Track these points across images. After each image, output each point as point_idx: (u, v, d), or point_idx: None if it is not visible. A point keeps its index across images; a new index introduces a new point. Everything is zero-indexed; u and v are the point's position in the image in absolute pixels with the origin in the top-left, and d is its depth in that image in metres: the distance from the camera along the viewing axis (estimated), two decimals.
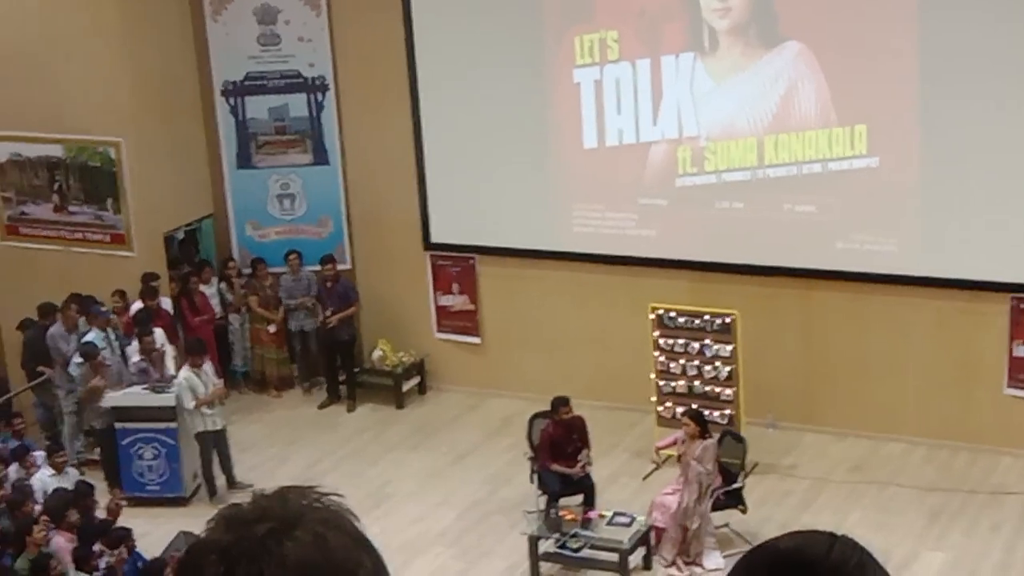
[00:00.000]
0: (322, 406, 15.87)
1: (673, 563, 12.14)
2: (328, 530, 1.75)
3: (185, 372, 13.72)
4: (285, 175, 16.42)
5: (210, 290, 15.95)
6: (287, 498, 1.79)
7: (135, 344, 14.28)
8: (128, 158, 15.57)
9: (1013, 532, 12.45)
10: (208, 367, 13.98)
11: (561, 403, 12.89)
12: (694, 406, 13.26)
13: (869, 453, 13.96)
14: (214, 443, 13.82)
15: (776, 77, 13.90)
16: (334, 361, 15.91)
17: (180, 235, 16.27)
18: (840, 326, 14.16)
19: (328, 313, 15.65)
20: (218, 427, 13.86)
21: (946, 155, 13.29)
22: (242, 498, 1.83)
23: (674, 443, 12.70)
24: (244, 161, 16.42)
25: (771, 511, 12.86)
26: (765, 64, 13.92)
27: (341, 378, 15.93)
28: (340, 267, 15.99)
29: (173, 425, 13.75)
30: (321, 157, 16.25)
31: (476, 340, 15.94)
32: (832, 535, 1.79)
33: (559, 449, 12.84)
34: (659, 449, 12.86)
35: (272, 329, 16.06)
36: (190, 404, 13.60)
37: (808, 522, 12.54)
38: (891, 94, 13.43)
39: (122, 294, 15.09)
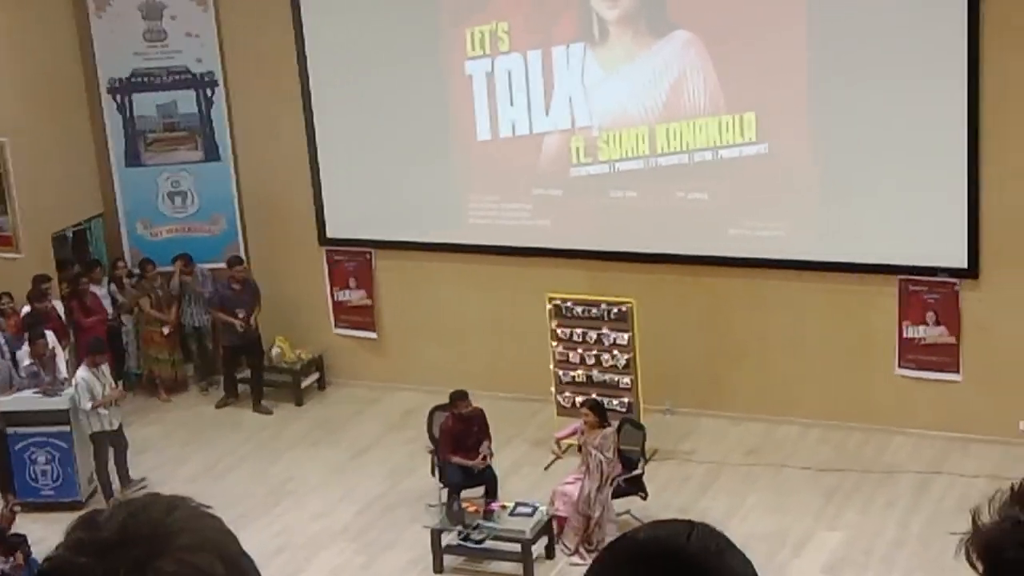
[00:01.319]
0: (219, 405, 15.69)
1: (576, 551, 12.21)
2: (197, 556, 1.63)
3: (83, 372, 13.50)
4: (175, 172, 16.22)
5: (101, 291, 15.70)
6: (151, 516, 1.67)
7: (25, 348, 14.01)
8: (13, 158, 15.27)
9: (906, 509, 12.71)
10: (106, 368, 13.78)
11: (459, 397, 12.90)
12: (593, 395, 13.37)
13: (765, 436, 14.16)
14: (110, 443, 13.62)
15: (666, 66, 14.02)
16: (236, 361, 15.69)
17: (69, 235, 15.98)
18: (734, 312, 14.35)
19: (242, 315, 15.41)
20: (114, 427, 13.66)
21: (834, 141, 13.51)
22: (106, 505, 1.72)
23: (574, 433, 12.79)
24: (133, 159, 16.19)
25: (671, 497, 13.00)
26: (655, 53, 14.04)
27: (240, 376, 15.74)
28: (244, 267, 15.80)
29: (67, 429, 13.52)
30: (212, 153, 16.08)
31: (372, 335, 15.88)
32: (690, 523, 1.79)
33: (460, 442, 12.85)
34: (559, 439, 12.94)
35: (167, 331, 15.82)
36: (87, 405, 13.38)
37: (706, 506, 12.71)
38: (779, 82, 13.62)
39: (10, 296, 14.79)
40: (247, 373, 15.73)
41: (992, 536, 1.76)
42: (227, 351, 15.70)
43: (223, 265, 15.74)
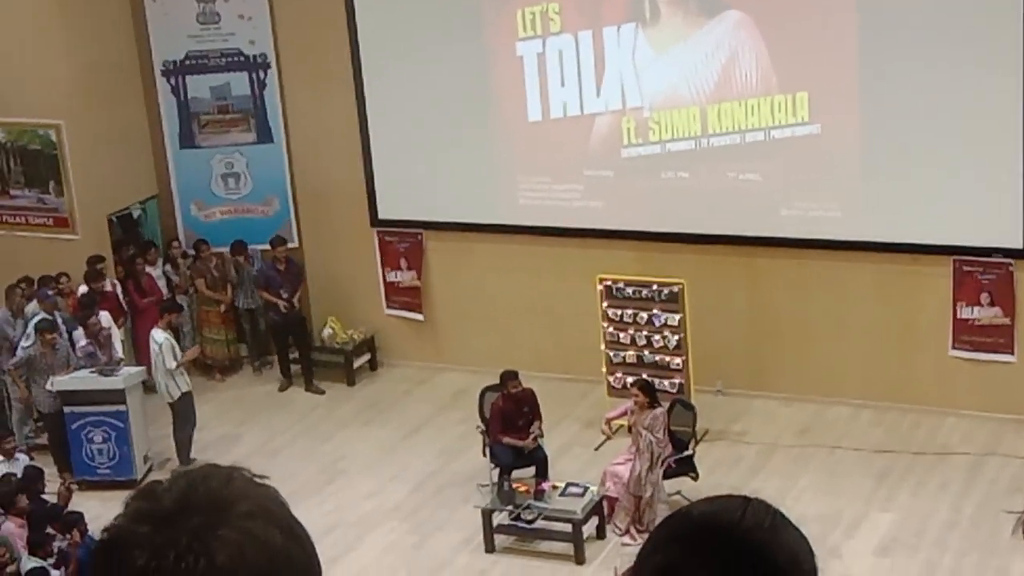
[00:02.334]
0: (282, 388, 15.75)
1: (627, 532, 12.23)
2: (255, 525, 1.67)
3: (162, 333, 13.76)
4: (229, 154, 16.33)
5: (156, 271, 15.86)
6: (210, 486, 1.70)
7: (81, 329, 14.19)
8: (69, 140, 15.44)
9: (959, 491, 12.63)
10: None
11: (509, 377, 12.94)
12: (644, 376, 13.36)
13: (816, 417, 14.11)
14: (192, 405, 13.86)
15: (717, 46, 13.96)
16: (284, 341, 15.83)
17: (114, 219, 16.13)
18: (786, 292, 14.29)
19: (286, 296, 15.53)
20: (189, 389, 13.95)
21: (886, 120, 13.41)
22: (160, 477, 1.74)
23: (624, 414, 12.78)
24: (187, 141, 16.31)
25: (722, 477, 12.98)
26: (706, 33, 13.98)
27: (293, 356, 15.86)
28: (288, 246, 15.92)
29: (123, 408, 13.68)
30: (265, 135, 16.17)
31: (419, 317, 15.93)
32: (745, 499, 1.80)
33: (510, 422, 12.89)
34: (609, 420, 12.94)
35: (222, 308, 15.96)
36: (172, 364, 13.63)
37: (758, 487, 12.67)
38: (831, 61, 13.53)
39: (67, 277, 14.97)
40: (298, 354, 15.83)
41: None
42: (272, 331, 15.80)
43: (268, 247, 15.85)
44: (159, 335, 13.80)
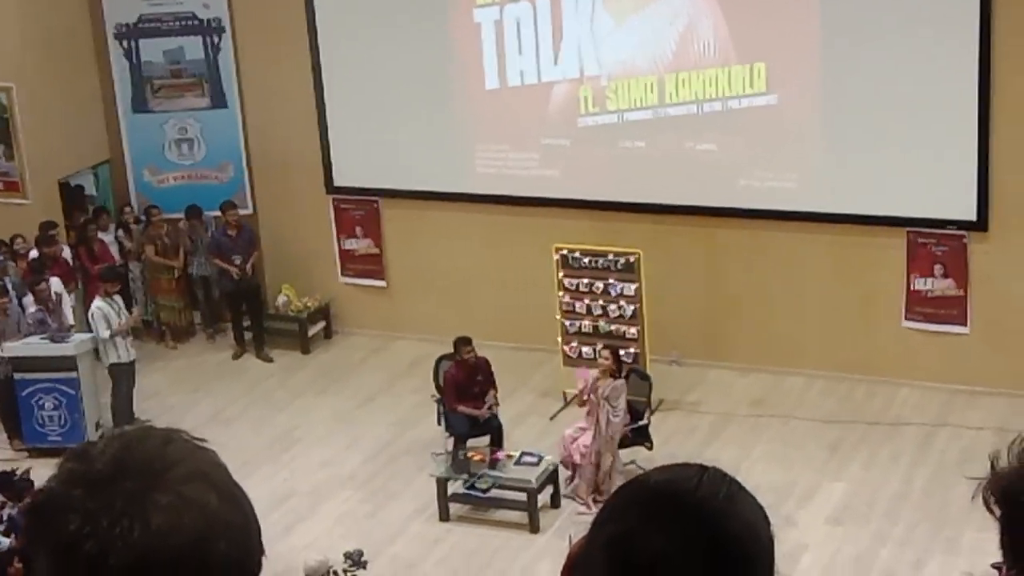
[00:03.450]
0: (236, 356, 15.64)
1: (585, 502, 12.23)
2: (191, 488, 1.64)
3: (98, 301, 13.65)
4: (183, 119, 16.16)
5: (108, 237, 15.70)
6: (146, 449, 1.67)
7: (31, 296, 14.03)
8: (20, 104, 15.23)
9: (910, 462, 12.73)
10: (119, 298, 13.89)
11: (462, 343, 12.91)
12: (599, 345, 13.34)
13: (771, 387, 14.17)
14: (127, 375, 13.73)
15: (675, 15, 13.92)
16: (238, 308, 15.73)
17: (82, 183, 15.96)
18: (742, 263, 14.32)
19: (239, 262, 15.41)
20: (132, 358, 13.80)
21: (844, 92, 13.43)
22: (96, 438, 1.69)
23: (586, 388, 12.59)
24: (140, 105, 16.13)
25: (677, 447, 13.01)
26: (664, 3, 13.93)
27: (246, 324, 15.77)
28: (242, 212, 15.80)
29: (74, 375, 13.56)
30: (219, 100, 16.01)
31: (382, 283, 15.88)
32: (702, 467, 1.79)
33: (464, 390, 12.87)
34: (582, 396, 12.59)
35: (176, 274, 15.81)
36: (105, 333, 13.51)
37: (712, 457, 12.72)
38: (790, 32, 13.53)
39: (23, 238, 14.80)
40: (250, 321, 15.73)
41: (1011, 481, 1.75)
42: (226, 298, 15.70)
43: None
44: (94, 304, 13.70)
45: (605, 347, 12.80)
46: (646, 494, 1.78)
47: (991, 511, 1.77)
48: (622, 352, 13.55)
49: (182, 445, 1.70)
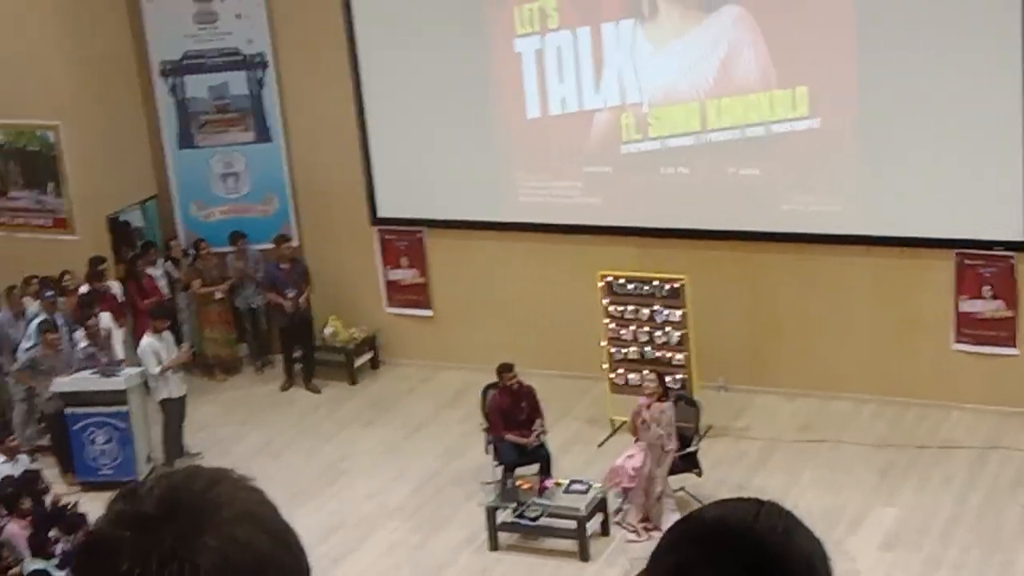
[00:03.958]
0: (284, 388, 15.70)
1: (635, 529, 12.19)
2: (240, 530, 1.62)
3: (147, 338, 13.76)
4: (228, 154, 16.30)
5: (157, 271, 15.83)
6: (193, 490, 1.66)
7: (81, 330, 14.17)
8: (67, 141, 15.42)
9: (963, 485, 12.61)
10: (168, 334, 13.99)
11: (504, 369, 12.93)
12: (646, 372, 13.30)
13: (818, 412, 14.08)
14: (178, 411, 13.83)
15: (716, 41, 13.93)
16: (292, 344, 15.75)
17: (128, 219, 16.12)
18: (787, 287, 14.26)
19: (292, 295, 15.46)
20: (183, 393, 13.89)
21: (886, 113, 13.38)
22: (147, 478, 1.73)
23: (636, 413, 12.55)
24: (186, 141, 16.28)
25: (725, 473, 12.96)
26: (704, 28, 13.94)
27: (296, 355, 15.81)
28: (292, 244, 15.88)
29: (124, 409, 13.66)
30: (263, 135, 16.14)
31: (428, 313, 15.93)
32: (758, 502, 1.78)
33: (510, 418, 12.87)
34: (634, 423, 12.55)
35: (218, 296, 15.83)
36: (155, 369, 13.62)
37: (761, 483, 12.66)
38: (830, 55, 13.50)
39: (71, 274, 14.94)
40: (301, 353, 15.79)
41: None
42: (281, 333, 15.77)
43: (274, 246, 15.81)
44: (144, 340, 13.81)
45: (651, 371, 12.79)
46: (703, 529, 1.77)
47: None
48: (669, 378, 13.52)
49: (230, 485, 1.69)
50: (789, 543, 1.73)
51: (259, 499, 1.70)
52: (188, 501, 1.64)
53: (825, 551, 1.77)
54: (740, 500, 1.80)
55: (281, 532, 1.68)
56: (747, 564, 1.70)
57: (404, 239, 15.82)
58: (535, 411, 12.93)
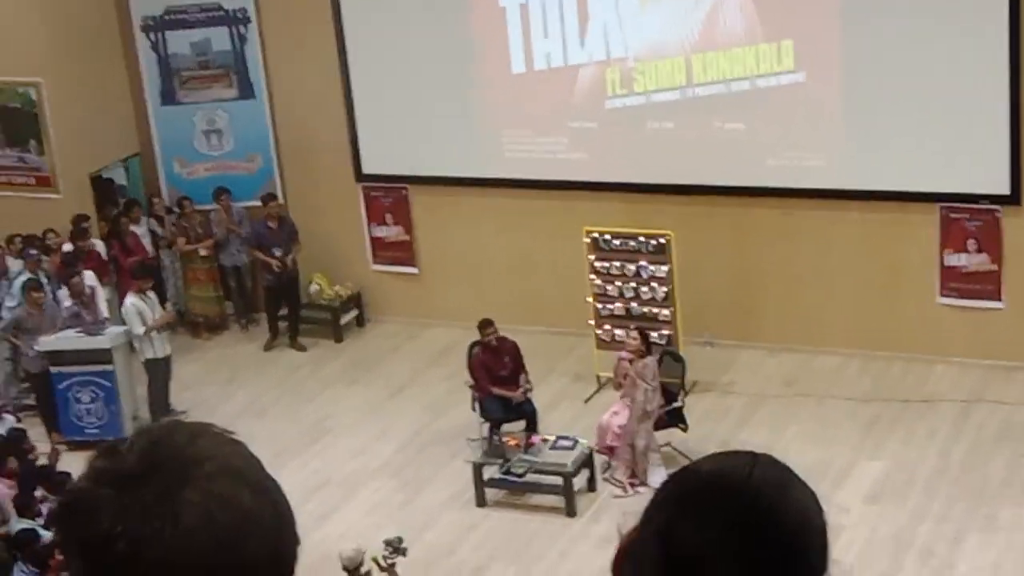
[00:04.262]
0: (267, 347, 15.62)
1: (622, 485, 12.22)
2: (222, 484, 1.61)
3: (131, 298, 13.72)
4: (211, 110, 16.20)
5: (140, 229, 15.76)
6: (174, 444, 1.64)
7: (65, 289, 14.11)
8: (49, 98, 15.30)
9: (947, 438, 12.66)
10: (152, 294, 13.95)
11: (485, 325, 12.94)
12: (632, 327, 13.32)
13: (804, 367, 14.11)
14: (163, 371, 13.80)
15: None
16: (276, 301, 15.70)
17: (112, 175, 16.04)
18: (773, 242, 14.25)
19: (280, 254, 15.37)
20: (167, 353, 13.85)
21: (872, 67, 13.34)
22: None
23: (618, 370, 12.59)
24: (168, 97, 16.18)
25: (711, 429, 12.99)
26: None
27: (282, 313, 15.77)
28: (279, 202, 15.81)
29: (110, 367, 13.64)
30: (247, 91, 16.04)
31: (413, 270, 15.89)
32: (753, 455, 1.77)
33: (493, 372, 12.88)
34: (617, 380, 12.60)
35: (203, 252, 15.75)
36: (139, 330, 13.58)
37: (747, 438, 12.70)
38: (816, 9, 13.44)
39: (55, 232, 14.87)
40: (287, 312, 15.74)
41: None
42: (267, 292, 15.71)
43: (258, 203, 15.73)
44: (127, 300, 13.77)
45: (634, 327, 12.80)
46: (698, 484, 1.76)
47: None
48: (655, 334, 13.53)
49: (212, 439, 1.67)
50: (785, 497, 1.73)
51: (242, 453, 1.67)
52: (169, 456, 1.62)
53: (820, 504, 1.76)
54: (735, 453, 1.78)
55: (264, 485, 1.66)
56: (742, 519, 1.69)
57: (389, 196, 15.76)
58: (518, 366, 12.93)
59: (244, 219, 15.86)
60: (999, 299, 13.57)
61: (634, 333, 12.54)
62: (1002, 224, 13.35)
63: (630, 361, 12.30)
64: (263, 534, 1.62)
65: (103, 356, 13.61)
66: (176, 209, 16.01)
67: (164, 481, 1.59)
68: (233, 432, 1.70)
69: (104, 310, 14.15)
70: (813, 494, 1.76)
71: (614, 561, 1.81)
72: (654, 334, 13.60)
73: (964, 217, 13.47)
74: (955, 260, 13.63)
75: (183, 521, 1.57)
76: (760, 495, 1.71)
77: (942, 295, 13.77)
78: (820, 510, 1.75)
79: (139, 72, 16.08)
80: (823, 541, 1.74)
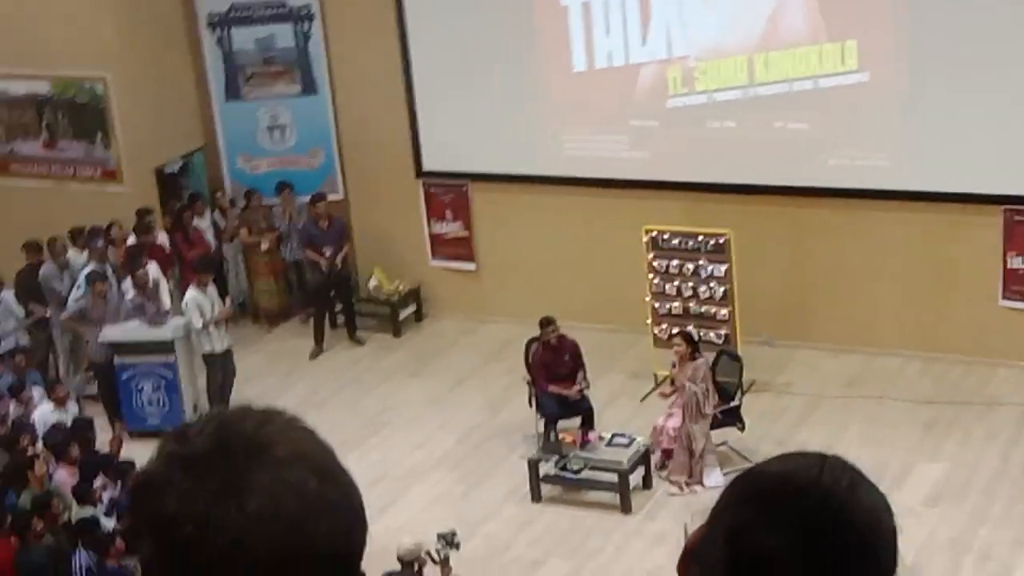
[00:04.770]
0: (313, 356, 15.40)
1: (678, 484, 12.21)
2: (290, 470, 1.61)
3: (191, 292, 13.84)
4: (274, 106, 16.35)
5: (204, 223, 15.93)
6: (243, 429, 1.63)
7: (129, 280, 14.29)
8: (115, 93, 15.50)
9: (1008, 441, 12.56)
10: (212, 288, 14.07)
11: (545, 323, 12.95)
12: (689, 327, 13.33)
13: (863, 368, 14.04)
14: (221, 365, 13.92)
15: None
16: (325, 300, 15.64)
17: (174, 169, 16.22)
18: (833, 243, 14.19)
19: (329, 253, 15.45)
20: (225, 348, 13.96)
21: (935, 67, 13.25)
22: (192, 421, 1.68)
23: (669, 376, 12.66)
24: (233, 93, 16.34)
25: (768, 428, 12.96)
26: None
27: (337, 309, 15.84)
28: (333, 197, 15.93)
29: (171, 358, 13.81)
30: (310, 87, 16.17)
31: (471, 267, 15.96)
32: (822, 456, 1.75)
33: (552, 370, 12.90)
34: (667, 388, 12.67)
35: (264, 246, 15.85)
36: (198, 323, 13.71)
37: (804, 438, 12.65)
38: (880, 8, 13.37)
39: (119, 226, 15.04)
40: (341, 308, 15.76)
41: None
42: (315, 292, 15.60)
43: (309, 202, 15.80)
44: (188, 294, 13.89)
45: (677, 333, 12.79)
46: (767, 484, 1.74)
47: None
48: (712, 334, 13.52)
49: (281, 425, 1.66)
50: (854, 499, 1.71)
51: (311, 439, 1.67)
52: (238, 441, 1.62)
53: (889, 504, 1.75)
54: (803, 454, 1.77)
55: (332, 472, 1.66)
56: (811, 521, 1.68)
57: (449, 192, 15.83)
58: (578, 365, 12.96)
59: (303, 213, 15.97)
60: None
61: (678, 339, 12.51)
62: None
63: (673, 366, 12.32)
64: (331, 520, 1.62)
65: (165, 347, 13.79)
66: (243, 202, 16.14)
67: (231, 466, 1.60)
68: (303, 419, 1.70)
69: (167, 302, 14.31)
70: (882, 495, 1.75)
71: (680, 561, 1.79)
72: (711, 333, 13.60)
73: None
74: (1018, 263, 13.50)
75: (250, 505, 1.58)
76: (830, 496, 1.70)
77: (1004, 298, 13.65)
78: (890, 511, 1.74)
79: (204, 68, 16.25)
80: (893, 542, 1.73)
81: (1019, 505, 11.57)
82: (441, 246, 16.06)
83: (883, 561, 1.72)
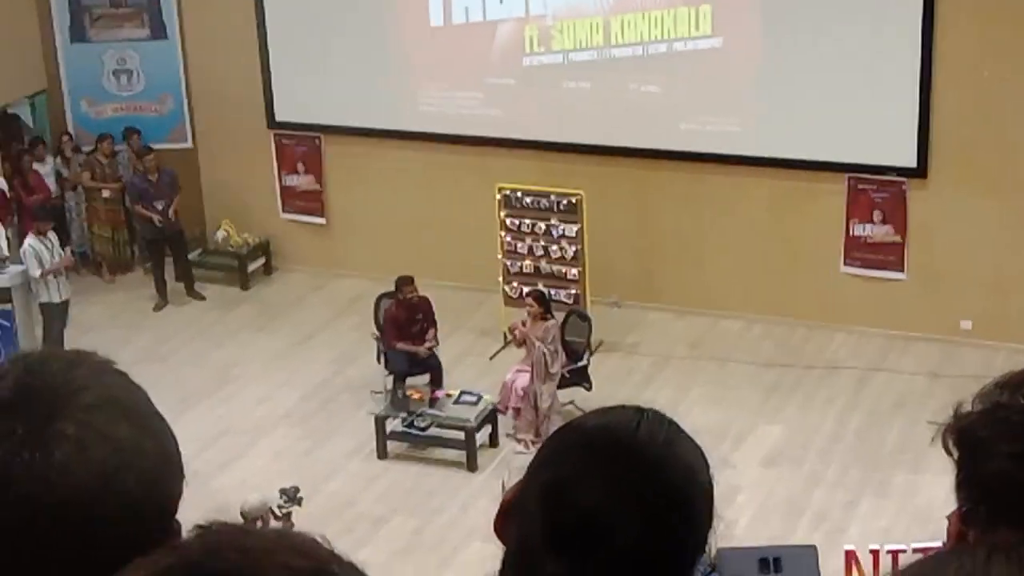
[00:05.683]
0: (157, 308, 15.10)
1: (524, 442, 12.28)
2: (98, 416, 1.51)
3: (31, 240, 13.48)
4: (122, 50, 15.91)
5: (44, 169, 15.46)
6: (50, 373, 1.53)
7: None
8: None
9: (845, 405, 12.88)
10: (53, 236, 13.69)
11: (404, 283, 12.89)
12: (540, 286, 13.39)
13: (708, 330, 14.26)
14: (60, 315, 13.57)
15: None
16: (161, 254, 15.30)
17: (16, 111, 15.71)
18: (683, 206, 14.35)
19: (161, 207, 15.06)
20: (65, 298, 13.60)
21: (788, 36, 13.44)
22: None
23: (517, 333, 12.72)
24: (78, 35, 15.86)
25: (615, 389, 13.08)
26: None
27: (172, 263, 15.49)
28: (181, 146, 15.58)
29: (8, 307, 13.41)
30: (159, 31, 15.77)
31: (322, 220, 15.79)
32: (640, 410, 1.75)
33: (404, 329, 12.86)
34: (513, 329, 12.76)
35: (106, 194, 15.45)
36: (36, 272, 13.35)
37: (650, 398, 12.79)
38: None
39: None
40: (175, 264, 15.32)
41: (971, 420, 1.72)
42: (149, 246, 15.25)
43: (168, 146, 15.46)
44: (26, 242, 13.53)
45: (529, 293, 12.84)
46: (583, 439, 1.74)
47: (949, 453, 1.74)
48: (562, 293, 13.60)
49: (91, 369, 1.57)
50: (671, 452, 1.71)
51: (123, 384, 1.58)
52: (43, 384, 1.52)
53: (707, 461, 1.75)
54: (621, 408, 1.76)
55: (147, 419, 1.57)
56: (627, 473, 1.68)
57: (301, 144, 15.62)
58: (430, 322, 12.93)
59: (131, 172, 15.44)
60: (902, 270, 13.80)
61: (530, 299, 12.56)
62: (908, 196, 13.56)
63: (523, 323, 12.37)
64: (143, 470, 1.53)
65: (3, 295, 13.38)
66: (88, 148, 15.65)
67: (36, 412, 1.50)
68: (115, 362, 1.61)
69: (4, 249, 13.88)
70: (700, 451, 1.75)
71: (497, 517, 1.76)
72: (561, 293, 13.68)
73: (871, 188, 13.66)
74: (860, 230, 13.83)
75: (54, 455, 1.48)
76: (646, 450, 1.69)
77: (846, 264, 13.97)
78: (706, 466, 1.74)
79: (49, 8, 15.74)
80: (710, 497, 1.73)
81: (853, 468, 11.88)
82: (292, 199, 15.85)
83: (699, 516, 1.72)
